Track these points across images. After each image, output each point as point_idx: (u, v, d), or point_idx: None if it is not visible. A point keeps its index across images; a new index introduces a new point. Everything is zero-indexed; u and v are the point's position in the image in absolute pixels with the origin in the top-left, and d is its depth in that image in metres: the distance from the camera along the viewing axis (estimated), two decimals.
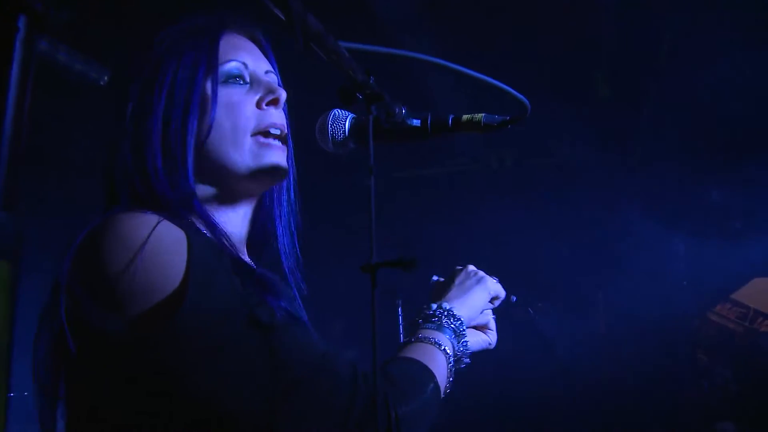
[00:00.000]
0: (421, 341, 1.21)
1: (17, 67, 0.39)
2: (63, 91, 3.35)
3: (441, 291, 1.36)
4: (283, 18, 0.73)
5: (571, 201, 4.69)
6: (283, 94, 1.18)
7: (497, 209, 4.71)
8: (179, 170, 1.08)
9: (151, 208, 1.00)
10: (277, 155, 1.16)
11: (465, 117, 1.11)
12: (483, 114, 1.11)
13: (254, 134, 1.14)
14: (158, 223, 0.95)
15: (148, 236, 0.92)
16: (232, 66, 1.15)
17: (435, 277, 1.47)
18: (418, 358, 1.15)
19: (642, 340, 4.56)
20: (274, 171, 1.15)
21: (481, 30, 3.49)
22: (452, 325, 1.26)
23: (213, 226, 1.09)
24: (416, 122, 1.11)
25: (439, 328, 1.25)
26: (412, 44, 3.36)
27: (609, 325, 5.02)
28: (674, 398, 4.56)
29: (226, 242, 1.09)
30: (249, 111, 1.15)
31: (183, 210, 1.06)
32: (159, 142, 1.08)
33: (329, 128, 1.17)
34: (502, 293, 1.43)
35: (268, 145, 1.15)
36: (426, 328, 1.24)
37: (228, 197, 1.16)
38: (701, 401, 4.54)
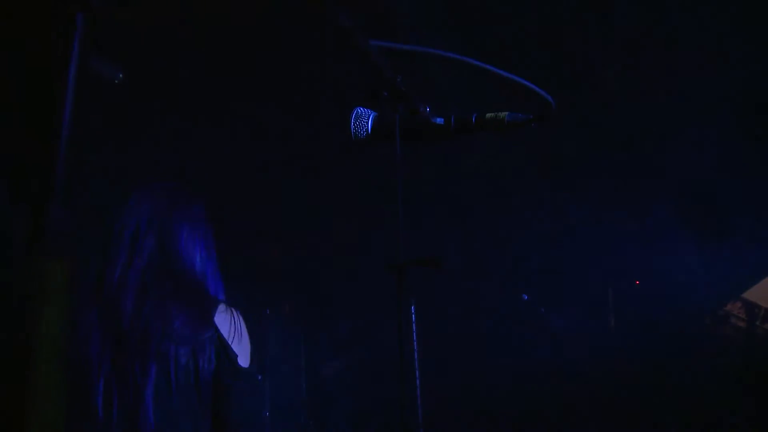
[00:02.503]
0: None
1: (75, 64, 0.39)
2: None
3: None
4: (317, 14, 0.73)
5: (583, 200, 4.67)
6: None
7: (508, 208, 4.69)
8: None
9: None
10: None
11: (489, 115, 1.11)
12: (507, 112, 1.10)
13: None
14: None
15: None
16: None
17: None
18: None
19: (652, 338, 4.54)
20: None
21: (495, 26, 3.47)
22: None
23: None
24: (440, 121, 1.10)
25: None
26: (426, 39, 3.35)
27: (619, 323, 5.00)
28: (685, 396, 4.54)
29: None
30: None
31: None
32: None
33: (352, 126, 1.17)
34: None
35: None
36: None
37: None
38: (712, 398, 4.51)
